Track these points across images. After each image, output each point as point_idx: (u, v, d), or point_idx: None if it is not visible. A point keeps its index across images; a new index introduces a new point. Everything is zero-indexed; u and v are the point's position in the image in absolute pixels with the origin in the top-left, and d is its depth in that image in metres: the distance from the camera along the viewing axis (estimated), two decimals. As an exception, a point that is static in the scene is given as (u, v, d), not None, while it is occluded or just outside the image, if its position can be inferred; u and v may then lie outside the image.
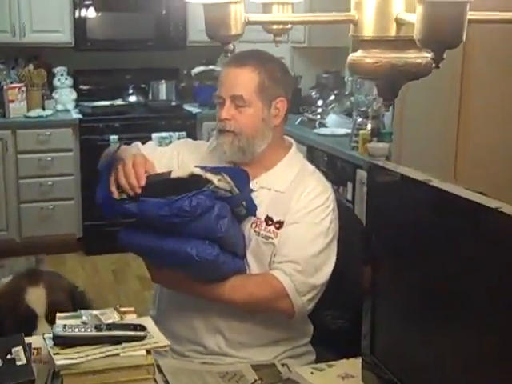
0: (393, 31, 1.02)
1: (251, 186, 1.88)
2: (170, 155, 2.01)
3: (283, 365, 1.74)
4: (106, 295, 4.28)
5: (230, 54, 1.16)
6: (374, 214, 1.54)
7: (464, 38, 0.82)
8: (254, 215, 1.86)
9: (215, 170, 1.79)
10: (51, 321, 1.78)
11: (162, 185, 1.78)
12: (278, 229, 1.87)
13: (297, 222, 1.87)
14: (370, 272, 1.56)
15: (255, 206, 1.85)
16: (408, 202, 1.40)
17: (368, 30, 1.05)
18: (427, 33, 0.83)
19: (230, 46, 1.02)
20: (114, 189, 1.77)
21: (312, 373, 1.72)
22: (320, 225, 1.88)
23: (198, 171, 1.78)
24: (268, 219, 1.88)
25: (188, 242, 1.71)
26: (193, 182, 1.75)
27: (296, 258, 1.83)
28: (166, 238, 1.73)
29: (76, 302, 1.94)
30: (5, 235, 4.95)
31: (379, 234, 1.52)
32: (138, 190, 1.75)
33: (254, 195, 1.87)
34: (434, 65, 0.85)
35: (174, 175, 1.78)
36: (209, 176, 1.76)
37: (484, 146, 2.82)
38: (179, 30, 5.30)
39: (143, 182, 1.75)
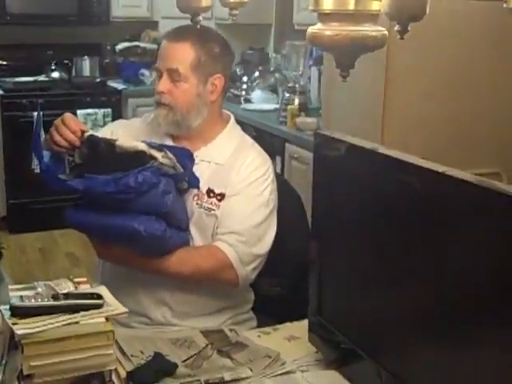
0: (351, 5, 1.08)
1: None
2: (104, 135, 2.02)
3: (231, 330, 1.80)
4: (34, 274, 4.24)
5: (199, 26, 1.20)
6: (321, 183, 1.61)
7: (427, 11, 0.88)
8: (198, 188, 1.90)
9: (159, 147, 1.82)
10: None
11: (105, 155, 1.79)
12: (219, 201, 1.92)
13: (238, 194, 1.92)
14: (316, 239, 1.63)
15: (197, 179, 1.89)
16: (354, 170, 1.47)
17: (328, 4, 1.10)
18: (394, 7, 0.89)
19: (200, 18, 1.05)
20: (54, 147, 1.79)
21: (259, 336, 1.79)
22: (260, 196, 1.94)
23: (142, 146, 1.80)
24: (209, 191, 1.92)
25: (135, 219, 1.74)
26: (137, 158, 1.78)
27: (238, 229, 1.88)
28: (112, 215, 1.75)
29: None
30: None
31: (326, 202, 1.59)
32: (77, 143, 1.77)
33: (194, 168, 1.90)
34: (399, 36, 0.91)
35: (119, 143, 1.80)
36: (153, 152, 1.79)
37: (408, 117, 2.94)
38: (102, 4, 5.23)
39: (78, 133, 1.77)
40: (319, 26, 1.13)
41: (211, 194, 1.92)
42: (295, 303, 1.77)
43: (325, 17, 1.13)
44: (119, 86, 5.27)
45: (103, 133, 2.01)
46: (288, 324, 1.86)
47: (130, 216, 1.74)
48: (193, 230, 1.92)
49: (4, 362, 1.44)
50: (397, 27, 0.92)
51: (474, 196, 1.13)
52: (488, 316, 1.13)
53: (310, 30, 1.14)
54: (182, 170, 1.83)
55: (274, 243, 1.97)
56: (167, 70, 1.90)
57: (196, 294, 1.94)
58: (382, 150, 1.38)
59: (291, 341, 1.77)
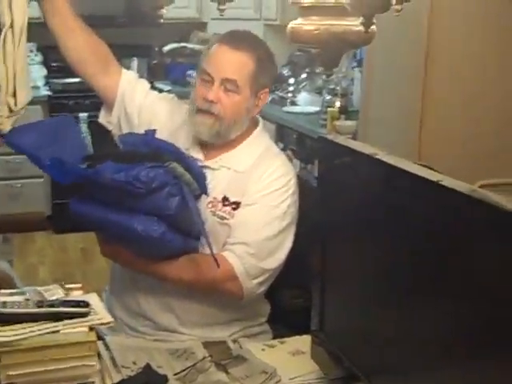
0: (331, -3, 0.99)
1: (211, 165, 1.86)
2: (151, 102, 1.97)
3: (234, 342, 1.72)
4: (74, 274, 4.25)
5: (162, 20, 1.13)
6: (324, 189, 1.52)
7: (394, 1, 0.79)
8: (206, 193, 1.81)
9: (182, 159, 1.76)
10: None
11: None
12: (234, 210, 1.83)
13: (254, 204, 1.83)
14: (320, 250, 1.54)
15: (206, 185, 1.79)
16: (355, 176, 1.38)
17: (306, -4, 1.02)
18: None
19: (163, 11, 0.98)
20: None
21: (263, 349, 1.71)
22: (277, 208, 1.83)
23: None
24: (225, 199, 1.83)
25: (135, 217, 1.67)
26: (156, 155, 1.73)
27: (249, 241, 1.79)
28: (113, 210, 1.69)
29: None
30: (-28, 213, 4.90)
31: (329, 210, 1.50)
32: None
33: (213, 174, 1.83)
34: (363, 30, 0.82)
35: None
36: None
37: (447, 124, 2.81)
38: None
39: None
40: (299, 20, 1.05)
41: (226, 202, 1.83)
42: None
43: (305, 10, 1.04)
44: (166, 87, 5.24)
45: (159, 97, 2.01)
46: (296, 337, 1.77)
47: (131, 214, 1.68)
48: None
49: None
50: (361, 19, 0.83)
51: (468, 207, 1.02)
52: (494, 336, 1.02)
53: (290, 25, 1.06)
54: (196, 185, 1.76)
55: (295, 253, 1.87)
56: (222, 79, 1.79)
57: (204, 303, 1.86)
58: (381, 156, 1.28)
59: (296, 355, 1.68)
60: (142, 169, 1.65)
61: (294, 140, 4.01)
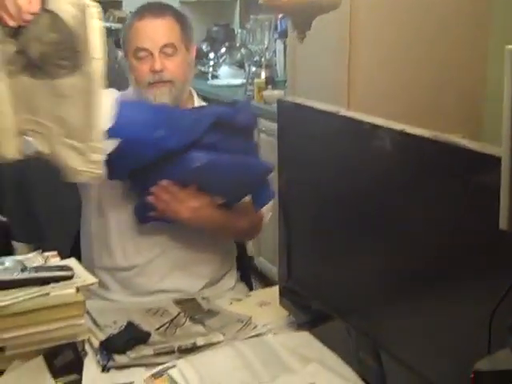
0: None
1: None
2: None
3: (203, 298, 1.82)
4: None
5: None
6: (286, 150, 1.62)
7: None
8: None
9: None
10: None
11: None
12: None
13: None
14: (283, 204, 1.65)
15: None
16: (318, 134, 1.49)
17: (281, -33, 1.12)
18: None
19: None
20: None
21: (231, 303, 1.81)
22: None
23: None
24: None
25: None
26: None
27: None
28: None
29: None
30: None
31: (292, 168, 1.61)
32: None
33: None
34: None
35: None
36: None
37: (373, 86, 2.96)
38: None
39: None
40: (275, -12, 1.15)
41: None
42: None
43: (279, -21, 1.14)
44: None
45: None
46: (260, 290, 1.89)
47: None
48: None
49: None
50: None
51: (433, 152, 1.15)
52: (450, 274, 1.15)
53: (266, -8, 1.16)
54: None
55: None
56: (161, 47, 1.86)
57: (211, 253, 2.00)
58: (344, 112, 1.40)
59: (263, 306, 1.79)
60: None
61: (221, 112, 4.09)
